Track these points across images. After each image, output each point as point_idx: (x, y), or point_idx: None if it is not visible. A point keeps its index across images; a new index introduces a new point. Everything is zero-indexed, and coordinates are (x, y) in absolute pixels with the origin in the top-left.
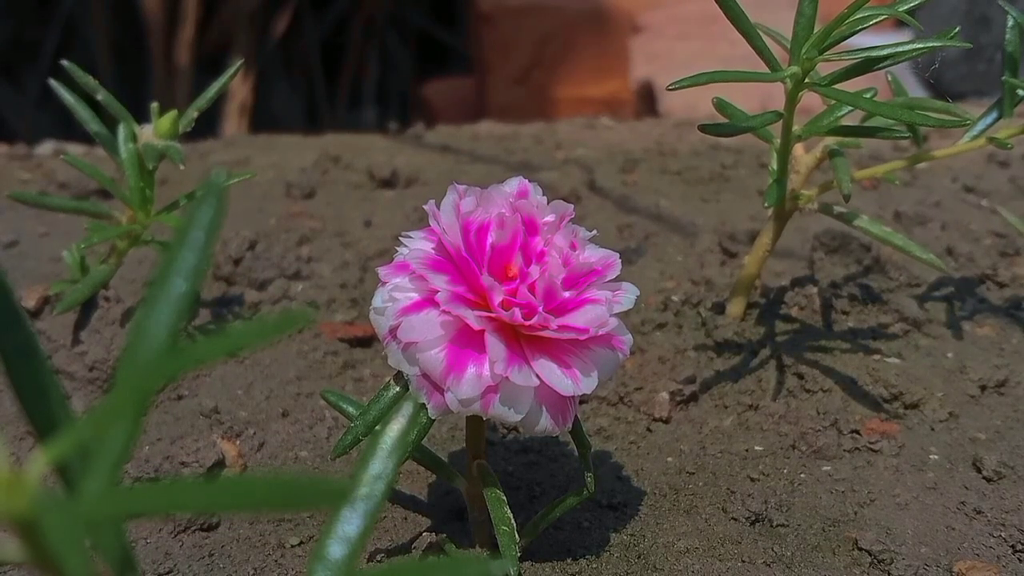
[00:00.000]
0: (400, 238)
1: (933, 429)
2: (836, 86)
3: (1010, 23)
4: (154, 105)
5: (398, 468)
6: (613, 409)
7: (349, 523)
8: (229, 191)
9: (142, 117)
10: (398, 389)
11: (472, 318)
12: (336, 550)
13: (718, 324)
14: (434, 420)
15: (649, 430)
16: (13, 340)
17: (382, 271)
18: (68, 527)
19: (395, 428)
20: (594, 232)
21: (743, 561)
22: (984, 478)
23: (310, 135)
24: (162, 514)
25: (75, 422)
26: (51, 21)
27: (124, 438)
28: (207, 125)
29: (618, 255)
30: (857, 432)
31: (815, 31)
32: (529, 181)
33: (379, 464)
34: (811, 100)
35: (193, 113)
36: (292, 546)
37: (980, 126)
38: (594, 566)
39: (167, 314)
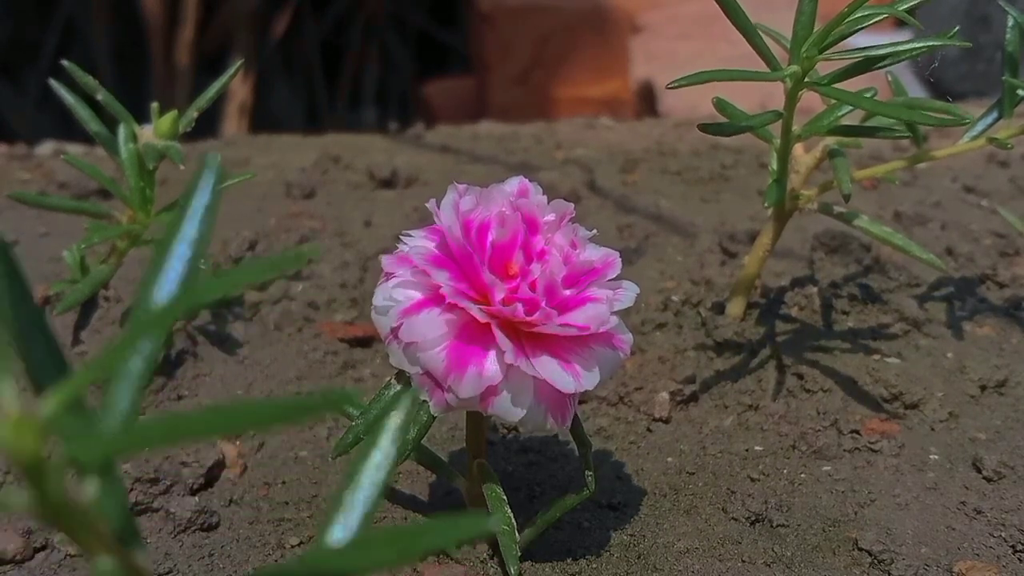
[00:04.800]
0: (400, 236)
1: (933, 429)
2: (836, 85)
3: (1010, 23)
4: (154, 105)
5: (398, 460)
6: (613, 409)
7: (351, 510)
8: (224, 169)
9: (142, 117)
10: (399, 388)
11: (477, 311)
12: (338, 536)
13: (718, 324)
14: (435, 418)
15: (649, 430)
16: (23, 315)
17: (385, 260)
18: (95, 450)
19: (396, 418)
20: (594, 231)
21: (743, 561)
22: (984, 478)
23: (310, 135)
24: (187, 440)
25: (87, 362)
26: (51, 21)
27: (141, 374)
28: (207, 125)
29: (618, 254)
30: (857, 432)
31: (815, 30)
32: (529, 181)
33: (380, 454)
34: (811, 100)
35: (193, 113)
36: (292, 546)
37: (980, 126)
38: (594, 566)
39: (174, 272)
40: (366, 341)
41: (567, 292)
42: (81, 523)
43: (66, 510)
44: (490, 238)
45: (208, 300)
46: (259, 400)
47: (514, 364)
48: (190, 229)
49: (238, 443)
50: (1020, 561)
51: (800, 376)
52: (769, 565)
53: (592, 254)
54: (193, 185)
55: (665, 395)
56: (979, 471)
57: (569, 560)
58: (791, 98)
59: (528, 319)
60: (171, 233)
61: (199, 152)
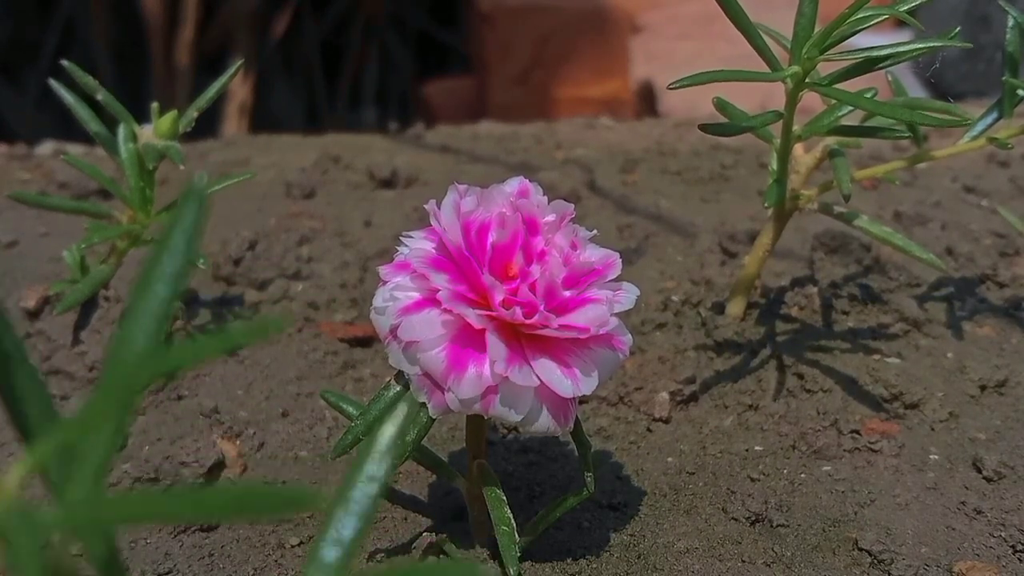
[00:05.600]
0: (400, 238)
1: (933, 429)
2: (836, 86)
3: (1010, 23)
4: (154, 105)
5: (394, 470)
6: (613, 409)
7: (343, 525)
8: (211, 197)
9: (142, 117)
10: (398, 389)
11: (473, 316)
12: (330, 553)
13: (718, 324)
14: (434, 420)
15: (649, 430)
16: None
17: (383, 270)
18: (28, 540)
19: (390, 430)
20: (594, 232)
21: (743, 561)
22: (984, 478)
23: (310, 135)
24: (145, 523)
25: (58, 425)
26: (51, 21)
27: (107, 442)
28: (207, 125)
29: (618, 255)
30: (857, 432)
31: (816, 31)
32: (529, 181)
33: (373, 466)
34: (811, 100)
35: (193, 113)
36: (292, 546)
37: (980, 126)
38: (594, 566)
39: (149, 319)
40: (366, 341)
41: (567, 293)
42: None
43: (44, 571)
44: (490, 239)
45: (181, 367)
46: (225, 489)
47: (505, 374)
48: (170, 263)
49: (238, 443)
50: (1020, 561)
51: (800, 376)
52: (769, 565)
53: (592, 255)
54: (175, 216)
55: (665, 395)
56: (979, 471)
57: (569, 560)
58: (792, 99)
59: (527, 322)
60: (149, 269)
61: (199, 152)
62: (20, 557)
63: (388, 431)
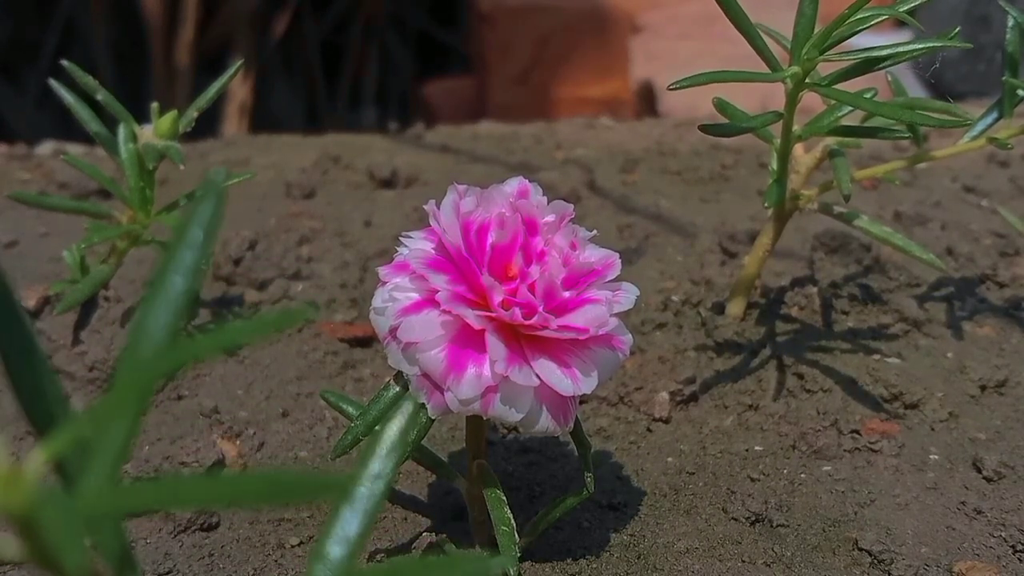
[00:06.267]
0: (400, 238)
1: (933, 429)
2: (836, 86)
3: (1010, 23)
4: (154, 105)
5: (398, 468)
6: (613, 409)
7: (349, 523)
8: (228, 189)
9: (142, 117)
10: (398, 389)
11: (472, 317)
12: (336, 550)
13: (718, 324)
14: (434, 420)
15: (649, 430)
16: (12, 339)
17: (382, 271)
18: (67, 521)
19: (394, 427)
20: (594, 232)
21: (743, 561)
22: (984, 478)
23: (310, 135)
24: (161, 510)
25: (75, 418)
26: (51, 21)
27: (124, 435)
28: (207, 125)
29: (618, 255)
30: (857, 432)
31: (815, 31)
32: (529, 181)
33: (378, 463)
34: (811, 100)
35: (193, 113)
36: (292, 546)
37: (980, 126)
38: (594, 566)
39: (166, 312)
40: (366, 341)
41: (566, 294)
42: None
43: (61, 560)
44: (490, 240)
45: (196, 360)
46: (253, 475)
47: (505, 374)
48: (187, 256)
49: (238, 443)
50: (1020, 561)
51: (800, 376)
52: (769, 565)
53: (592, 255)
54: (193, 209)
55: (665, 395)
56: (979, 471)
57: (569, 560)
58: (792, 99)
59: (526, 323)
60: (166, 261)
61: (199, 152)
62: (60, 539)
63: (391, 430)
